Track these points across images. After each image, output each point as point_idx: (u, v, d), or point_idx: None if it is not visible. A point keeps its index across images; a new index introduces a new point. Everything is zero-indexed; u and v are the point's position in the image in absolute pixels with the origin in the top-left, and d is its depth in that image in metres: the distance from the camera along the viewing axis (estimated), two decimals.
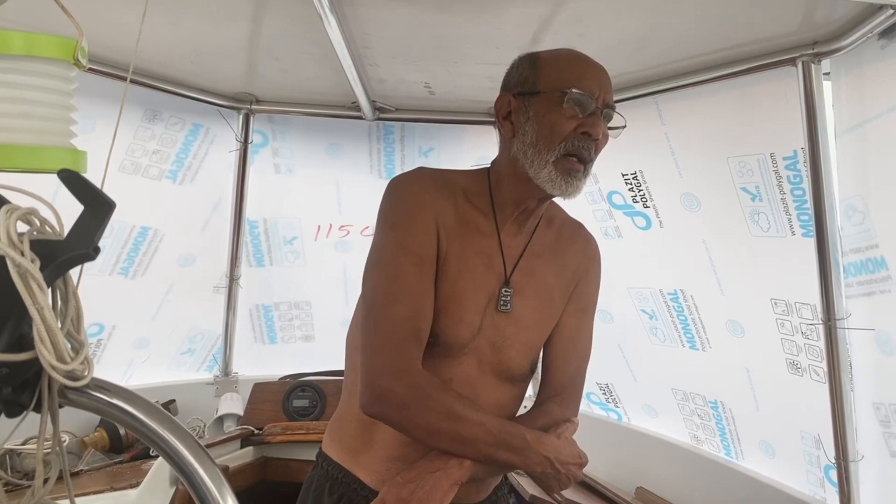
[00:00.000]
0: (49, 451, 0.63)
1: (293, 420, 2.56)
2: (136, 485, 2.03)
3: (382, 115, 2.39)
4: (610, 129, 1.29)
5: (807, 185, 1.74)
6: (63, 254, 0.60)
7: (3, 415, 0.58)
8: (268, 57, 2.03)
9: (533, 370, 1.40)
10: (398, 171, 2.70)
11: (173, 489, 1.95)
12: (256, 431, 2.46)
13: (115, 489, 2.16)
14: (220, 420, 2.73)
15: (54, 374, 0.57)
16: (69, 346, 0.60)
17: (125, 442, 2.44)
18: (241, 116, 2.42)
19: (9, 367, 0.58)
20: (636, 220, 2.24)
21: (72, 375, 0.59)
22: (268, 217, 2.71)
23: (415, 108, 2.39)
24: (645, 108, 2.05)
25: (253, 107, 2.39)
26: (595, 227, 2.34)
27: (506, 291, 1.33)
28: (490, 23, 1.72)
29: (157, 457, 2.41)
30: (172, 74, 2.15)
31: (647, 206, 2.18)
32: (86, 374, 0.61)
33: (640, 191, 2.17)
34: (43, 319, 0.56)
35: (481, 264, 1.32)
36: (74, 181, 0.61)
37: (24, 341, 0.59)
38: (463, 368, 1.31)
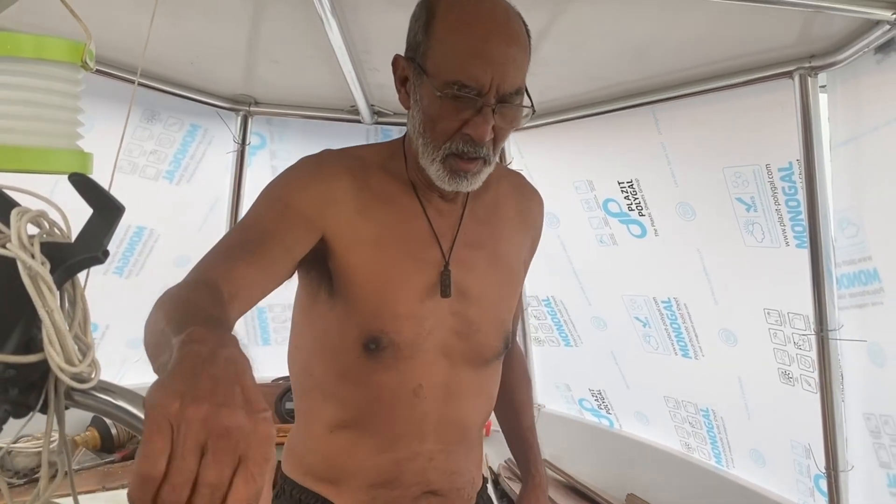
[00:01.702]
0: (54, 450, 0.63)
1: (286, 422, 2.56)
2: (129, 485, 2.03)
3: (380, 119, 2.40)
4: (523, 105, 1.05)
5: (801, 196, 1.76)
6: (72, 257, 0.60)
7: (11, 417, 0.59)
8: (268, 60, 2.03)
9: (507, 346, 1.25)
10: None
11: None
12: None
13: (108, 489, 2.16)
14: None
15: (63, 377, 0.57)
16: (76, 348, 0.60)
17: (116, 442, 2.44)
18: (239, 118, 2.42)
19: (16, 369, 0.58)
20: (631, 228, 2.25)
21: (79, 377, 0.59)
22: None
23: None
24: (642, 117, 2.06)
25: (252, 109, 2.39)
26: (590, 235, 2.36)
27: (444, 276, 1.14)
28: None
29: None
30: (172, 75, 2.16)
31: (642, 215, 2.20)
32: (93, 376, 0.61)
33: (635, 199, 2.18)
34: (53, 322, 0.57)
35: (408, 250, 1.14)
36: (85, 185, 0.62)
37: (31, 343, 0.59)
38: (431, 370, 1.15)
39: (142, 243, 2.44)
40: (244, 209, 2.58)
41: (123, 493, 2.08)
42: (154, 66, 2.07)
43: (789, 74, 1.70)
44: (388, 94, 2.25)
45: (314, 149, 2.62)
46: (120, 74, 1.96)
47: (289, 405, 2.59)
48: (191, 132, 2.39)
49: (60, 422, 0.62)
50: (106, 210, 0.63)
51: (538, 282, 2.62)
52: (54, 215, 0.66)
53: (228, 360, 0.58)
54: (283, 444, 2.38)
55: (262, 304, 2.85)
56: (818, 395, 1.77)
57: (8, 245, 0.57)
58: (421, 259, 1.14)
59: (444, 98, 1.01)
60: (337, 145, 2.59)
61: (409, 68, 1.08)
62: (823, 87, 1.71)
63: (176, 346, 0.61)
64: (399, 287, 1.12)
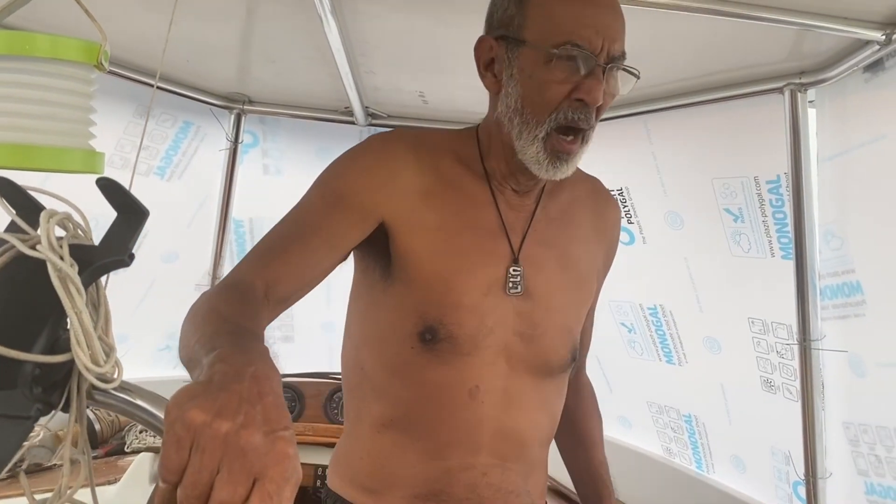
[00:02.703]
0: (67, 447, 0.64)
1: (334, 423, 2.57)
2: (114, 481, 2.02)
3: (374, 121, 2.41)
4: (624, 69, 1.02)
5: (788, 208, 1.79)
6: (98, 259, 0.62)
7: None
8: (264, 59, 2.04)
9: (574, 358, 1.17)
10: None
11: (153, 486, 1.95)
12: None
13: (86, 486, 2.15)
14: None
15: (89, 377, 0.59)
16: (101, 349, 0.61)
17: (100, 437, 2.43)
18: (232, 116, 2.42)
19: (42, 369, 0.59)
20: (620, 235, 2.29)
21: (104, 378, 0.60)
22: (254, 217, 2.71)
23: (407, 115, 2.42)
24: (633, 126, 2.10)
25: (245, 107, 2.40)
26: None
27: (514, 271, 1.08)
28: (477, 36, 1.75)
29: (131, 453, 2.40)
30: (166, 71, 2.15)
31: (631, 222, 2.23)
32: (115, 376, 0.62)
33: (625, 207, 2.21)
34: (81, 323, 0.58)
35: (475, 239, 1.08)
36: (112, 188, 0.63)
37: (56, 344, 0.60)
38: (489, 370, 1.07)
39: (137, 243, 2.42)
40: (234, 207, 2.58)
41: (110, 488, 2.08)
42: (149, 61, 2.07)
43: (779, 90, 1.74)
44: (383, 96, 2.27)
45: (307, 148, 2.69)
46: (135, 77, 1.96)
47: (337, 401, 2.60)
48: (183, 129, 2.39)
49: (81, 421, 0.63)
50: (131, 214, 0.65)
51: None
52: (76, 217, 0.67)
53: (253, 378, 0.60)
54: (328, 443, 2.40)
55: None
56: (799, 404, 1.81)
57: (38, 247, 0.59)
58: (488, 251, 1.08)
59: (554, 62, 0.97)
60: (329, 146, 2.65)
61: (499, 47, 1.04)
62: (812, 102, 1.75)
63: (205, 366, 0.63)
64: (463, 277, 1.06)
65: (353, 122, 2.41)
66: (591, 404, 1.38)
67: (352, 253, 1.09)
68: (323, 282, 3.19)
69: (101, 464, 2.34)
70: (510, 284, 1.08)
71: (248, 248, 2.76)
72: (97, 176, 0.65)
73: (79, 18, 0.81)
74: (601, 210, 1.25)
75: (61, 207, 0.65)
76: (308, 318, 2.97)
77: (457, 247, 1.07)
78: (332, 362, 2.99)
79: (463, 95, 2.19)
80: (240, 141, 2.45)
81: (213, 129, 2.44)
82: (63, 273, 0.57)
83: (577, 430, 1.34)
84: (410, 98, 2.24)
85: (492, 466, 1.10)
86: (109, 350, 0.62)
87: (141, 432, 2.69)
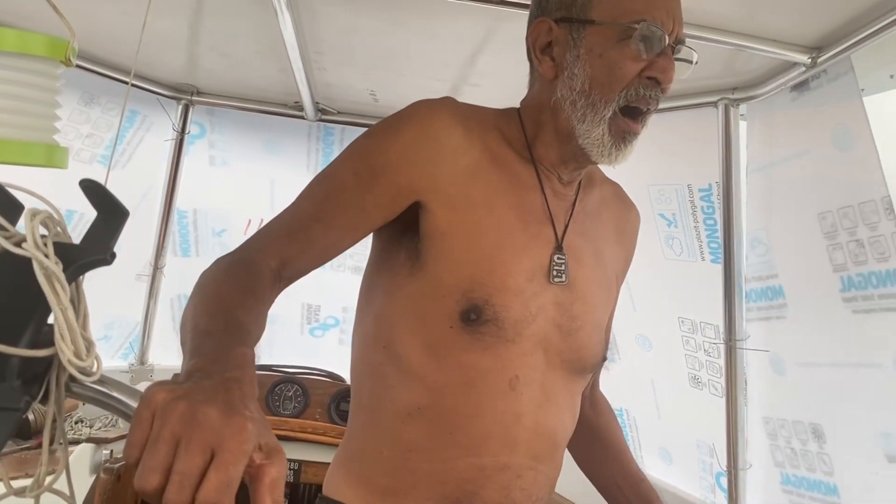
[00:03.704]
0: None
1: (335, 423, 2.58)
2: (52, 472, 2.00)
3: (324, 117, 2.43)
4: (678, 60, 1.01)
5: (718, 215, 1.90)
6: (80, 258, 0.64)
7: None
8: (216, 52, 2.04)
9: (605, 357, 1.14)
10: None
11: (94, 477, 1.94)
12: None
13: (30, 475, 2.11)
14: None
15: (72, 370, 0.61)
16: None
17: (33, 428, 2.39)
18: (180, 107, 2.41)
19: (24, 362, 0.62)
20: None
21: (85, 371, 0.63)
22: (198, 208, 2.70)
23: (357, 112, 2.44)
24: None
25: (193, 98, 2.38)
26: None
27: (559, 258, 1.04)
28: (434, 39, 1.79)
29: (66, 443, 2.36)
30: (115, 60, 2.13)
31: None
32: (95, 369, 0.65)
33: None
34: (66, 319, 0.61)
35: (520, 221, 1.03)
36: (95, 190, 0.66)
37: (39, 338, 0.63)
38: (528, 361, 1.01)
39: (71, 227, 2.36)
40: (179, 198, 2.57)
41: (49, 479, 2.05)
42: (98, 49, 2.04)
43: (714, 104, 1.84)
44: (334, 93, 2.29)
45: (254, 141, 2.69)
46: (82, 65, 1.93)
47: (343, 406, 2.63)
48: (129, 118, 2.36)
49: (60, 412, 0.66)
50: (112, 214, 0.67)
51: None
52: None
53: (228, 379, 0.63)
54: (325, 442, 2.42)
55: (189, 292, 2.87)
56: (723, 399, 1.92)
57: (24, 245, 0.61)
58: (533, 234, 1.04)
59: (628, 41, 0.96)
60: (278, 139, 2.66)
61: (559, 29, 1.01)
62: (743, 116, 1.86)
63: (183, 372, 0.67)
64: (510, 257, 1.00)
65: (302, 117, 2.43)
66: (613, 415, 1.34)
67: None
68: None
69: (35, 454, 2.30)
70: (554, 272, 1.04)
71: (192, 238, 2.78)
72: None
73: (44, 11, 0.83)
74: (625, 214, 1.24)
75: (31, 202, 0.68)
76: None
77: (504, 226, 1.02)
78: (272, 355, 3.00)
79: (413, 95, 2.22)
80: (187, 132, 2.44)
81: (159, 119, 2.42)
82: (49, 271, 0.60)
83: (606, 440, 1.28)
84: (361, 96, 2.27)
85: (527, 468, 1.02)
86: (89, 345, 0.65)
87: (76, 423, 2.65)
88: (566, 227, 1.08)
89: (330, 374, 2.92)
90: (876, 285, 1.53)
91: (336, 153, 2.70)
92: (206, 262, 3.04)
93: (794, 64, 1.59)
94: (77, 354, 0.62)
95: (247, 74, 2.21)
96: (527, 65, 1.91)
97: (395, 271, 1.03)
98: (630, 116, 1.00)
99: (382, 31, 1.77)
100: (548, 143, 1.06)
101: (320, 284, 2.93)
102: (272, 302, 0.91)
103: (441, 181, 0.99)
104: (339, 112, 2.43)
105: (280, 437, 2.35)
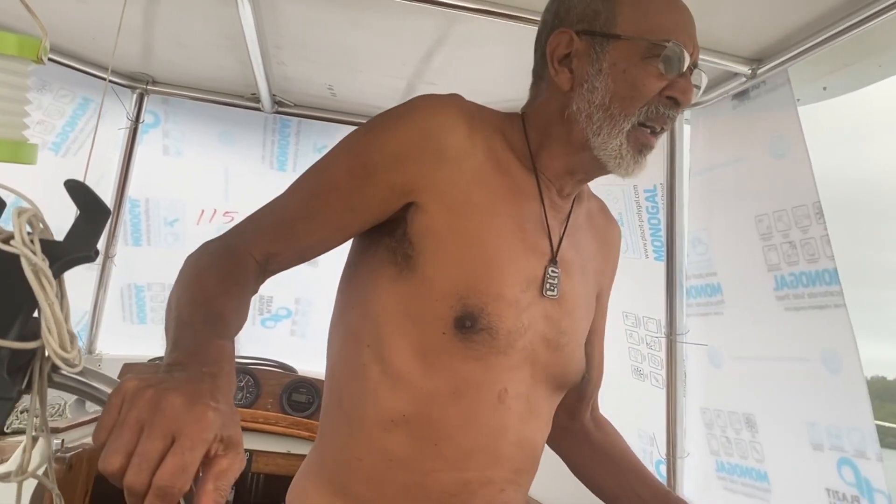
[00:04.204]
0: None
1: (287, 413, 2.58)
2: (4, 461, 1.98)
3: (281, 109, 2.44)
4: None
5: (662, 215, 1.99)
6: (65, 254, 0.67)
7: None
8: (173, 42, 2.04)
9: (584, 377, 1.11)
10: (291, 164, 2.78)
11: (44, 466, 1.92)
12: None
13: (3, 461, 2.09)
14: (83, 400, 2.67)
15: (58, 361, 0.64)
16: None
17: None
18: (135, 95, 2.39)
19: (12, 354, 0.65)
20: None
21: (69, 363, 0.66)
22: (150, 197, 2.68)
23: (314, 105, 2.46)
24: None
25: (148, 87, 2.37)
26: None
27: (553, 272, 1.02)
28: (392, 37, 1.84)
29: (11, 433, 2.33)
30: (68, 46, 2.10)
31: None
32: (77, 361, 0.68)
33: None
34: (53, 313, 0.64)
35: (519, 230, 1.01)
36: (79, 189, 0.68)
37: (25, 331, 0.66)
38: (516, 375, 0.98)
39: None
40: (131, 186, 2.55)
41: None
42: (52, 35, 2.02)
43: None
44: (292, 86, 2.30)
45: (209, 132, 2.69)
46: (84, 69, 1.90)
47: (295, 396, 2.66)
48: (82, 105, 2.34)
49: (43, 402, 0.69)
50: (94, 212, 0.70)
51: None
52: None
53: (204, 373, 0.66)
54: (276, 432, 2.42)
55: (140, 282, 2.85)
56: (664, 391, 2.01)
57: (12, 242, 0.64)
58: (530, 245, 1.02)
59: (652, 59, 0.95)
60: (234, 130, 2.66)
61: (581, 41, 0.99)
62: (688, 121, 1.95)
63: (164, 363, 0.70)
64: (507, 266, 0.98)
65: (259, 109, 2.44)
66: (620, 435, 1.31)
67: None
68: None
69: (10, 443, 2.28)
70: (547, 286, 1.02)
71: (144, 228, 2.76)
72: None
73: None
74: (609, 230, 1.24)
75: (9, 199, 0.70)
76: None
77: (503, 234, 0.99)
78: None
79: (370, 91, 2.27)
80: (141, 121, 2.42)
81: (113, 107, 2.40)
82: (37, 267, 0.63)
83: (622, 458, 1.24)
84: (319, 90, 2.29)
85: (508, 483, 0.99)
86: (73, 338, 0.68)
87: (22, 412, 2.61)
88: (561, 239, 1.06)
89: (282, 365, 2.94)
90: (806, 284, 1.63)
91: (292, 146, 2.74)
92: (157, 252, 3.04)
93: (736, 74, 1.68)
94: (62, 346, 0.65)
95: (204, 65, 2.21)
96: (483, 67, 1.98)
97: (381, 268, 0.98)
98: (649, 128, 1.00)
99: (342, 28, 1.80)
100: (555, 153, 1.04)
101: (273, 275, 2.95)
102: (255, 293, 0.91)
103: (441, 182, 0.96)
104: (295, 105, 2.45)
105: None
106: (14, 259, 0.64)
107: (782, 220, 1.66)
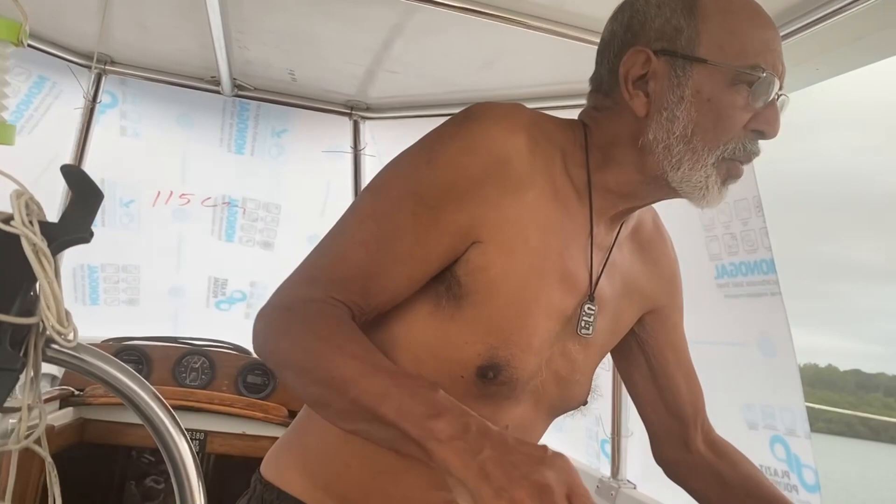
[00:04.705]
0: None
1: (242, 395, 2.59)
2: None
3: (241, 93, 2.45)
4: None
5: None
6: (62, 235, 0.71)
7: None
8: (133, 22, 2.03)
9: (586, 402, 1.07)
10: (249, 148, 2.79)
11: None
12: (76, 392, 2.44)
13: None
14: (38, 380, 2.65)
15: (55, 336, 0.68)
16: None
17: None
18: (92, 75, 2.37)
19: (13, 328, 0.68)
20: None
21: (66, 337, 0.70)
22: (106, 178, 2.66)
23: (275, 90, 2.47)
24: None
25: (107, 67, 2.35)
26: None
27: (589, 309, 0.96)
28: (354, 24, 1.86)
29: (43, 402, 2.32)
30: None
31: None
32: (70, 337, 0.72)
33: None
34: (52, 290, 0.67)
35: (563, 269, 0.93)
36: (75, 174, 0.72)
37: (24, 307, 0.69)
38: (519, 411, 0.95)
39: None
40: (87, 166, 2.53)
41: None
42: (5, 12, 1.99)
43: None
44: (253, 70, 2.31)
45: (168, 114, 2.69)
46: (41, 48, 1.88)
47: (250, 378, 2.70)
48: (38, 84, 2.31)
49: (37, 375, 0.72)
50: (88, 196, 0.74)
51: None
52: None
53: (489, 428, 0.68)
54: (111, 404, 2.42)
55: (94, 263, 2.84)
56: (610, 373, 2.10)
57: (12, 223, 0.67)
58: (571, 283, 0.95)
59: (740, 86, 0.86)
60: (192, 113, 2.66)
61: (660, 62, 0.88)
62: None
63: (444, 437, 0.67)
64: (543, 311, 0.92)
65: (218, 92, 2.44)
66: (750, 463, 1.17)
67: None
68: (175, 249, 3.18)
69: None
70: (582, 324, 0.96)
71: (99, 208, 2.72)
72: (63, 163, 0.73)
73: None
74: (657, 243, 1.13)
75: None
76: (155, 284, 2.96)
77: (548, 276, 0.92)
78: (177, 327, 3.01)
79: (332, 78, 2.30)
80: (98, 101, 2.40)
81: (70, 87, 2.37)
82: (37, 247, 0.67)
83: (758, 493, 1.11)
84: (280, 74, 2.31)
85: None
86: (68, 315, 0.72)
87: None
88: (601, 273, 0.98)
89: (237, 347, 2.96)
90: (745, 273, 1.73)
91: (250, 129, 2.75)
92: (112, 233, 3.03)
93: None
94: (60, 322, 0.69)
95: (164, 47, 2.21)
96: (441, 58, 2.03)
97: (420, 298, 0.91)
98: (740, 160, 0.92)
99: (305, 14, 1.83)
100: (619, 178, 0.94)
101: (227, 258, 2.96)
102: None
103: (502, 218, 0.87)
104: (255, 89, 2.46)
105: (187, 409, 2.41)
106: (12, 239, 0.67)
107: (724, 213, 1.75)
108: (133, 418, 2.52)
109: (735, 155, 0.89)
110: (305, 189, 2.80)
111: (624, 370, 1.19)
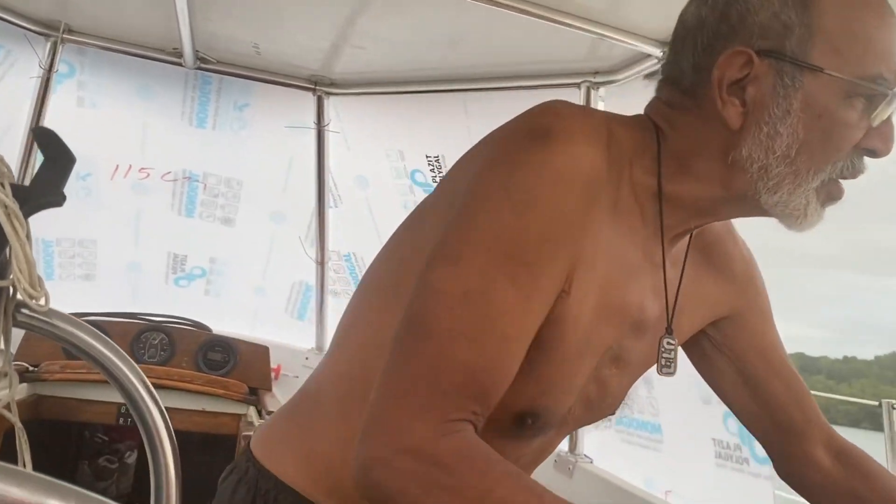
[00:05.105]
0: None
1: (73, 359, 2.53)
2: None
3: (203, 66, 2.40)
4: None
5: None
6: (34, 198, 0.70)
7: None
8: None
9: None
10: (211, 122, 2.75)
11: None
12: (31, 368, 2.40)
13: None
14: None
15: (27, 299, 0.68)
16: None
17: None
18: (49, 44, 2.30)
19: None
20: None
21: (37, 302, 0.70)
22: None
23: (238, 63, 2.43)
24: (453, 101, 2.31)
25: (64, 35, 2.29)
26: (396, 200, 2.59)
27: (669, 344, 0.87)
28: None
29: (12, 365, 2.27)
30: None
31: None
32: (44, 301, 0.72)
33: (440, 172, 2.44)
34: (24, 253, 0.67)
35: (619, 301, 0.82)
36: (47, 136, 0.71)
37: None
38: (539, 441, 0.89)
39: None
40: None
41: None
42: None
43: (577, 85, 2.03)
44: (217, 42, 2.27)
45: (128, 86, 2.63)
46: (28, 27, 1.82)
47: (210, 355, 2.69)
48: None
49: (7, 339, 0.72)
50: (60, 159, 0.73)
51: (341, 238, 2.81)
52: None
53: None
54: (67, 380, 2.38)
55: (49, 237, 2.78)
56: None
57: None
58: (623, 314, 0.83)
59: (856, 99, 0.74)
60: (154, 85, 2.61)
61: (763, 64, 0.74)
62: (603, 98, 2.07)
63: None
64: (592, 351, 0.82)
65: (180, 64, 2.39)
66: (888, 474, 1.02)
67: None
68: (133, 224, 3.14)
69: None
70: (663, 361, 0.87)
71: None
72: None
73: None
74: (730, 241, 1.02)
75: None
76: (112, 259, 2.91)
77: (607, 312, 0.81)
78: (135, 303, 2.97)
79: (296, 53, 2.28)
80: (54, 70, 2.34)
81: (25, 55, 2.30)
82: (9, 209, 0.66)
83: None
84: (244, 48, 2.28)
85: None
86: (40, 280, 0.71)
87: None
88: (675, 301, 0.87)
89: (196, 324, 2.94)
90: None
91: (212, 102, 2.70)
92: (68, 206, 2.96)
93: (648, 55, 1.80)
94: (32, 285, 0.68)
95: (125, 16, 2.16)
96: (406, 34, 2.02)
97: None
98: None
99: None
100: (696, 193, 0.82)
101: (187, 233, 2.93)
102: None
103: (582, 260, 0.75)
104: (218, 62, 2.41)
105: (89, 381, 2.37)
106: None
107: None
108: (89, 395, 2.50)
109: (842, 174, 0.78)
110: (268, 165, 2.77)
111: (710, 380, 1.06)
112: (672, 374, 0.87)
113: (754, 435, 1.06)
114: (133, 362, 0.76)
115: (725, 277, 0.99)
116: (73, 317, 0.75)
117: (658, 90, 0.87)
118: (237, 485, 0.92)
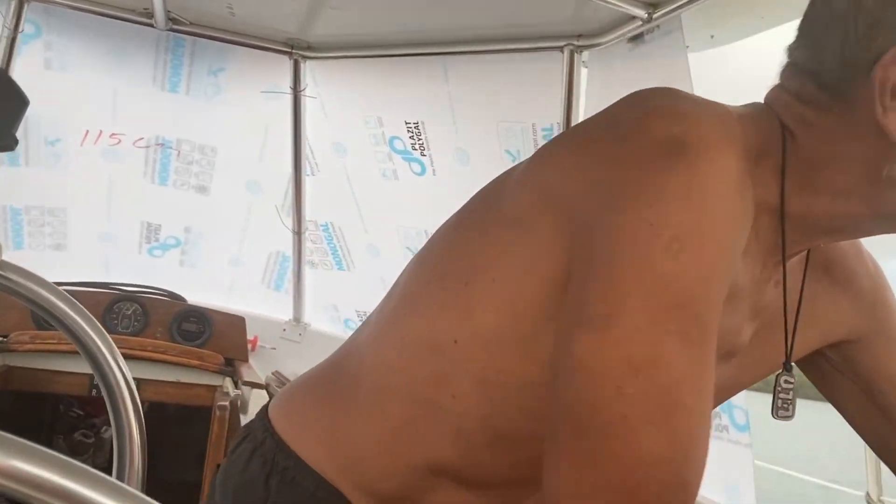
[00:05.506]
0: None
1: (43, 329, 2.47)
2: None
3: (175, 27, 2.32)
4: None
5: None
6: None
7: None
8: None
9: None
10: (184, 87, 2.66)
11: None
12: (0, 339, 2.35)
13: None
14: None
15: None
16: None
17: None
18: (13, 3, 2.21)
19: None
20: (412, 165, 2.47)
21: None
22: (29, 114, 2.47)
23: (211, 25, 2.36)
24: (433, 65, 2.26)
25: None
26: (374, 168, 2.55)
27: (787, 383, 0.79)
28: None
29: None
30: None
31: (423, 155, 2.42)
32: None
33: (419, 140, 2.39)
34: None
35: (731, 340, 0.73)
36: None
37: None
38: None
39: None
40: None
41: None
42: None
43: (560, 48, 1.99)
44: (190, 3, 2.20)
45: (98, 48, 2.54)
46: None
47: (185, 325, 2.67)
48: None
49: None
50: (12, 102, 0.68)
51: (318, 207, 2.77)
52: None
53: None
54: (37, 351, 2.33)
55: (17, 205, 2.71)
56: None
57: None
58: (757, 355, 0.77)
59: None
60: (124, 47, 2.54)
61: None
62: (586, 63, 2.03)
63: None
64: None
65: (152, 25, 2.31)
66: None
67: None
68: (105, 191, 3.07)
69: None
70: (779, 403, 0.77)
71: (22, 147, 2.61)
72: None
73: None
74: (855, 257, 0.91)
75: None
76: (84, 227, 2.84)
77: (728, 371, 0.73)
78: (108, 274, 2.92)
79: (270, 14, 2.21)
80: (20, 30, 2.25)
81: None
82: None
83: None
84: (217, 8, 2.20)
85: None
86: None
87: None
88: (795, 329, 0.78)
89: (171, 294, 2.89)
90: None
91: (185, 66, 2.62)
92: (36, 173, 2.89)
93: (633, 17, 1.76)
94: None
95: None
96: None
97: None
98: None
99: None
100: (833, 208, 0.70)
101: (161, 202, 2.87)
102: None
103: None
104: (191, 23, 2.33)
105: (59, 352, 2.32)
106: None
107: None
108: (61, 365, 2.45)
109: None
110: (243, 132, 2.71)
111: (834, 402, 0.95)
112: (790, 417, 0.77)
113: (885, 463, 0.92)
114: (92, 317, 0.72)
115: (847, 297, 0.88)
116: (28, 270, 0.70)
117: (783, 77, 0.73)
118: (252, 454, 0.83)
